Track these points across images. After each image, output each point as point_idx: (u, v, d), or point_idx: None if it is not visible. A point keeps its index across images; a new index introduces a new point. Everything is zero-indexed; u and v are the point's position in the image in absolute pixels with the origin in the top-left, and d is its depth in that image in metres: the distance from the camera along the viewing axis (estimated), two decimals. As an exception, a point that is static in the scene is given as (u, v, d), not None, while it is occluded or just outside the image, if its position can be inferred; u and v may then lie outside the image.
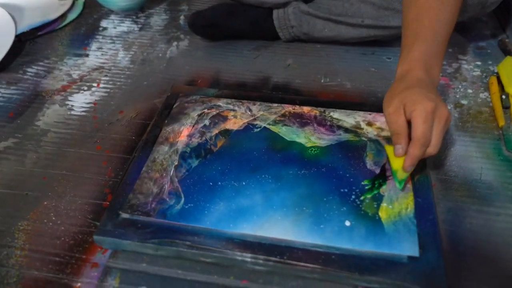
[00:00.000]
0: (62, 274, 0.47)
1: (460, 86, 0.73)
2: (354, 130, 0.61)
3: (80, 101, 0.72)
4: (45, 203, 0.55)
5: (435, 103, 0.49)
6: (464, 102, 0.69)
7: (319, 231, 0.48)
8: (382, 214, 0.50)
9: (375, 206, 0.51)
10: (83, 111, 0.70)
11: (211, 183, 0.54)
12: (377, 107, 0.65)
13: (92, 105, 0.71)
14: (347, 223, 0.49)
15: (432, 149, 0.50)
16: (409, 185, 0.53)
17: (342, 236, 0.48)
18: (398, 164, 0.51)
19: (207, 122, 0.63)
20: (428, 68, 0.54)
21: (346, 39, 0.80)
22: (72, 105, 0.71)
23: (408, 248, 0.46)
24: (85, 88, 0.75)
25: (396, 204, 0.51)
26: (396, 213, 0.50)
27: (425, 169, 0.55)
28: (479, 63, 0.78)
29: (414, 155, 0.49)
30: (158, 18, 0.95)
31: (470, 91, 0.72)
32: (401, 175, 0.52)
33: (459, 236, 0.50)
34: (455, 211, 0.53)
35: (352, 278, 0.45)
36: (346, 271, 0.45)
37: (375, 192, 0.52)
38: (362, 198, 0.52)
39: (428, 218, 0.50)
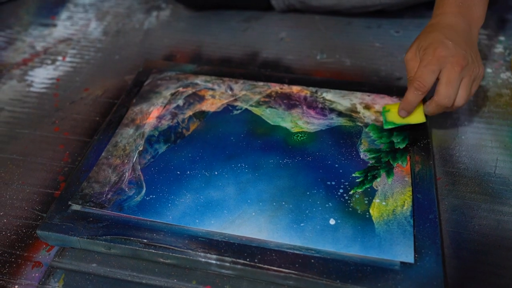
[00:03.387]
0: (-3, 273, 0.44)
1: (477, 65, 0.68)
2: (349, 114, 0.57)
3: (42, 76, 0.69)
4: (-11, 191, 0.52)
5: (446, 49, 0.48)
6: (481, 83, 0.65)
7: (299, 230, 0.45)
8: (374, 212, 0.46)
9: (366, 202, 0.47)
10: (43, 88, 0.67)
11: (178, 172, 0.51)
12: (378, 88, 0.61)
13: (55, 81, 0.68)
14: (332, 222, 0.45)
15: (440, 98, 0.49)
16: (408, 179, 0.49)
17: (325, 237, 0.44)
18: (396, 106, 0.53)
19: (180, 102, 0.60)
20: (464, 11, 0.52)
21: (348, 8, 0.75)
22: (32, 81, 0.68)
23: (402, 252, 0.42)
24: (49, 62, 0.72)
25: (391, 200, 0.47)
26: (390, 211, 0.46)
27: (428, 157, 0.51)
28: (502, 38, 0.73)
29: (406, 99, 0.50)
30: (137, -15, 0.91)
31: (489, 70, 0.67)
32: (393, 117, 0.53)
33: (465, 239, 0.46)
34: (461, 210, 0.49)
35: (331, 286, 0.41)
36: (326, 278, 0.41)
37: (367, 186, 0.48)
38: (351, 192, 0.48)
39: (427, 217, 0.46)
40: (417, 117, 0.53)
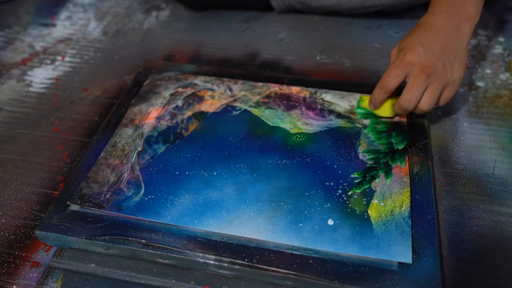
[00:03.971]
0: (-5, 274, 0.44)
1: (477, 66, 0.68)
2: (348, 115, 0.57)
3: (41, 76, 0.69)
4: (-12, 191, 0.52)
5: (416, 55, 0.50)
6: (480, 84, 0.65)
7: (297, 231, 0.45)
8: (372, 212, 0.46)
9: (364, 203, 0.47)
10: (42, 88, 0.67)
11: (177, 173, 0.51)
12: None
13: (54, 81, 0.68)
14: (330, 222, 0.45)
15: (401, 101, 0.51)
16: (406, 179, 0.49)
17: (323, 237, 0.44)
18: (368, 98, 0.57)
19: (180, 102, 0.60)
20: (454, 10, 0.52)
21: (348, 8, 0.76)
22: (31, 81, 0.68)
23: (400, 253, 0.43)
24: (48, 62, 0.72)
25: (389, 201, 0.47)
26: (388, 211, 0.46)
27: (427, 158, 0.51)
28: (501, 39, 0.73)
29: (372, 95, 0.54)
30: (137, -15, 0.91)
31: (488, 71, 0.67)
32: (365, 105, 0.58)
33: (463, 240, 0.46)
34: (460, 211, 0.49)
35: (329, 287, 0.41)
36: (324, 278, 0.41)
37: (366, 186, 0.49)
38: (350, 193, 0.48)
39: (426, 218, 0.46)
40: (385, 112, 0.56)
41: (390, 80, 0.51)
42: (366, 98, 0.59)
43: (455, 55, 0.51)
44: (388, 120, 0.57)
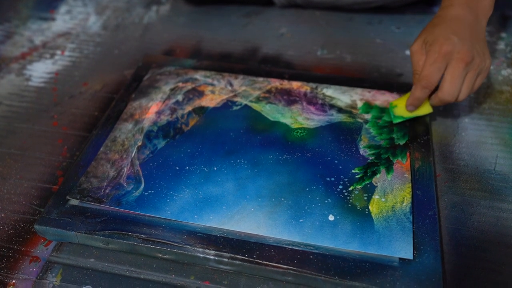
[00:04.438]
0: (-5, 268, 0.44)
1: (478, 62, 0.68)
2: (349, 110, 0.57)
3: (40, 70, 0.69)
4: (-13, 185, 0.52)
5: (452, 44, 0.49)
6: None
7: (298, 226, 0.45)
8: (373, 208, 0.46)
9: (365, 198, 0.47)
10: (42, 82, 0.67)
11: (177, 168, 0.51)
12: (378, 84, 0.61)
13: (53, 75, 0.68)
14: (331, 218, 0.45)
15: (443, 94, 0.50)
16: (407, 175, 0.49)
17: (324, 233, 0.44)
18: (403, 101, 0.54)
19: (180, 97, 0.60)
20: (472, 2, 0.53)
21: (349, 3, 0.75)
22: (31, 75, 0.68)
23: (401, 249, 0.42)
24: (48, 56, 0.72)
25: (390, 196, 0.47)
26: (389, 207, 0.46)
27: (428, 154, 0.51)
28: (503, 35, 0.73)
29: (414, 95, 0.52)
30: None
31: (490, 67, 0.67)
32: (401, 111, 0.54)
33: (464, 236, 0.46)
34: (461, 207, 0.49)
35: (330, 282, 0.41)
36: (324, 274, 0.41)
37: (367, 182, 0.48)
38: (350, 188, 0.48)
39: (427, 214, 0.46)
40: (425, 109, 0.54)
41: (434, 76, 0.50)
42: (398, 103, 0.55)
43: (482, 43, 0.52)
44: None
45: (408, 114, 0.54)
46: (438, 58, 0.49)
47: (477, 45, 0.51)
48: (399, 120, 0.55)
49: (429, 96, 0.53)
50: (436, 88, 0.52)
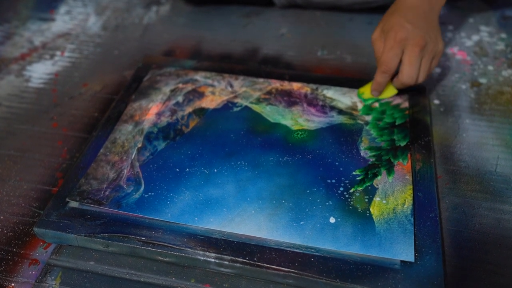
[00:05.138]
0: (-6, 271, 0.44)
1: (479, 62, 0.67)
2: (350, 111, 0.57)
3: (40, 71, 0.68)
4: (-14, 187, 0.52)
5: (406, 31, 0.52)
6: (482, 80, 0.64)
7: (298, 229, 0.44)
8: (374, 210, 0.46)
9: (366, 200, 0.46)
10: (41, 83, 0.66)
11: (177, 169, 0.50)
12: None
13: (53, 76, 0.67)
14: (332, 220, 0.45)
15: (403, 77, 0.54)
16: (408, 177, 0.48)
17: (325, 235, 0.44)
18: (368, 87, 0.58)
19: (180, 98, 0.59)
20: None
21: (349, 4, 0.75)
22: (30, 76, 0.67)
23: (402, 251, 0.42)
24: (47, 57, 0.71)
25: (391, 198, 0.47)
26: (390, 209, 0.46)
27: (429, 155, 0.51)
28: (504, 35, 0.72)
29: (376, 80, 0.56)
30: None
31: (491, 68, 0.66)
32: (368, 96, 0.58)
33: (465, 238, 0.46)
34: (462, 209, 0.49)
35: (331, 285, 0.41)
36: (325, 277, 0.41)
37: (368, 184, 0.48)
38: (351, 190, 0.47)
39: (428, 216, 0.45)
40: (389, 92, 0.58)
41: (392, 61, 0.54)
42: (364, 90, 0.59)
43: (435, 30, 0.55)
44: (390, 99, 0.58)
45: (374, 98, 0.58)
46: (394, 44, 0.53)
47: (431, 31, 0.54)
48: (370, 102, 0.58)
49: (392, 80, 0.57)
50: (397, 73, 0.55)
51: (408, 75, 0.54)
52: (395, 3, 0.58)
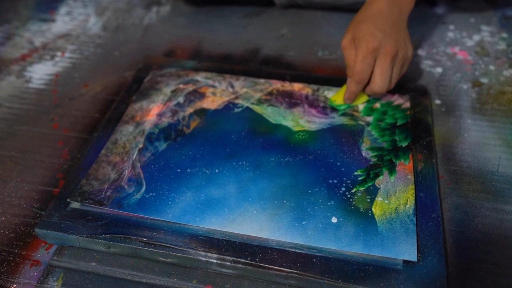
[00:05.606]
0: (-5, 272, 0.44)
1: (480, 62, 0.67)
2: (350, 113, 0.57)
3: (40, 72, 0.68)
4: (-13, 188, 0.52)
5: (378, 41, 0.53)
6: (484, 80, 0.64)
7: (300, 229, 0.44)
8: (376, 210, 0.46)
9: (368, 200, 0.46)
10: (42, 84, 0.66)
11: (178, 170, 0.50)
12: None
13: (54, 77, 0.67)
14: (334, 220, 0.45)
15: (375, 87, 0.54)
16: (410, 177, 0.48)
17: (327, 235, 0.44)
18: (340, 95, 0.58)
19: (181, 99, 0.59)
20: None
21: (350, 3, 0.75)
22: (31, 77, 0.67)
23: (405, 251, 0.42)
24: (48, 57, 0.71)
25: (393, 198, 0.47)
26: (392, 209, 0.46)
27: (431, 156, 0.51)
28: (505, 35, 0.72)
29: (350, 90, 0.56)
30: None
31: (492, 67, 0.66)
32: (341, 103, 0.58)
33: (468, 238, 0.46)
34: (464, 209, 0.48)
35: (333, 286, 0.41)
36: (328, 277, 0.41)
37: (370, 184, 0.48)
38: (353, 190, 0.47)
39: (430, 216, 0.45)
40: (362, 99, 0.58)
41: (365, 72, 0.54)
42: (336, 97, 0.58)
43: (404, 36, 0.56)
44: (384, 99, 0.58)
45: (346, 105, 0.58)
46: (367, 54, 0.53)
47: (400, 38, 0.55)
48: (343, 107, 0.58)
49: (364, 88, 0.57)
50: (369, 81, 0.56)
51: (380, 85, 0.54)
52: (363, 9, 0.58)
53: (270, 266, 0.42)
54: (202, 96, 0.60)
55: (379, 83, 0.54)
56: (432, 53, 0.69)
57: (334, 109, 0.57)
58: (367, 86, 0.56)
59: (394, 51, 0.53)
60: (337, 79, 0.62)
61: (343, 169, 0.50)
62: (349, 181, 0.48)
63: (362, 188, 0.48)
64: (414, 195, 0.47)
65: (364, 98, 0.58)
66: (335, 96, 0.59)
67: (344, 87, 0.58)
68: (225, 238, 0.44)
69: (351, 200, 0.47)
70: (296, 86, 0.61)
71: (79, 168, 0.51)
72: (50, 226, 0.45)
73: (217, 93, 0.60)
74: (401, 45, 0.54)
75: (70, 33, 0.77)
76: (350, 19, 0.77)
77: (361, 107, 0.57)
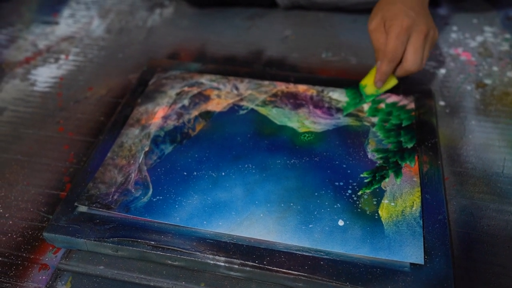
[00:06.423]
0: (4, 276, 0.44)
1: (484, 63, 0.67)
2: (355, 113, 0.57)
3: (45, 75, 0.68)
4: (-6, 192, 0.52)
5: (412, 19, 0.53)
6: (487, 81, 0.64)
7: (307, 232, 0.44)
8: (382, 212, 0.46)
9: (375, 203, 0.47)
10: (47, 87, 0.66)
11: (185, 173, 0.50)
12: (384, 87, 0.61)
13: (58, 80, 0.68)
14: (341, 223, 0.45)
15: (409, 65, 0.54)
16: (416, 179, 0.49)
17: (334, 238, 0.44)
18: (370, 79, 0.58)
19: (186, 102, 0.59)
20: None
21: (352, 4, 0.75)
22: (35, 80, 0.67)
23: (412, 254, 0.42)
24: (52, 60, 0.71)
25: (400, 201, 0.47)
26: (399, 211, 0.46)
27: (436, 157, 0.51)
28: (508, 36, 0.73)
29: (381, 70, 0.56)
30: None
31: (495, 68, 0.67)
32: (371, 90, 0.58)
33: (474, 240, 0.46)
34: (470, 210, 0.49)
35: (341, 289, 0.41)
36: (335, 280, 0.41)
37: (376, 186, 0.48)
38: (360, 193, 0.48)
39: (436, 218, 0.45)
40: (391, 82, 0.58)
41: (399, 50, 0.54)
42: (367, 81, 0.59)
43: (430, 17, 0.56)
44: (390, 93, 0.59)
45: (378, 91, 0.58)
46: (401, 32, 0.53)
47: (429, 18, 0.56)
48: (371, 98, 0.58)
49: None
50: (399, 62, 0.56)
51: (414, 62, 0.54)
52: None
53: (277, 269, 0.42)
54: (207, 98, 0.60)
55: (413, 60, 0.54)
56: (436, 54, 0.69)
57: (339, 109, 0.57)
58: (398, 67, 0.56)
59: (427, 29, 0.54)
60: (341, 81, 0.62)
61: (349, 171, 0.50)
62: (355, 184, 0.48)
63: (368, 191, 0.48)
64: (420, 197, 0.47)
65: (393, 81, 0.58)
66: (365, 80, 0.59)
67: (373, 71, 0.58)
68: (232, 241, 0.44)
69: (357, 202, 0.47)
70: (301, 88, 0.61)
71: (86, 171, 0.51)
72: (58, 230, 0.45)
73: (222, 95, 0.60)
74: (431, 25, 0.55)
75: (73, 35, 0.77)
76: (353, 20, 0.77)
77: (366, 107, 0.57)
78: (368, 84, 0.58)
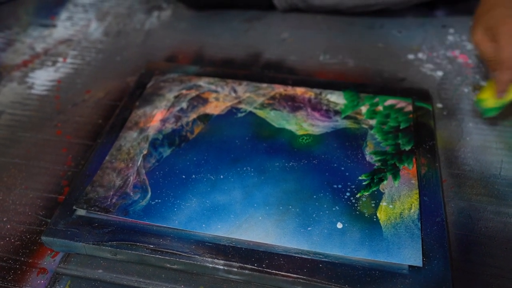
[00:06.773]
0: (2, 281, 0.43)
1: (481, 65, 0.68)
2: (354, 116, 0.57)
3: (42, 78, 0.68)
4: (-9, 196, 0.52)
5: None
6: (484, 84, 0.65)
7: (306, 234, 0.44)
8: (381, 215, 0.46)
9: (373, 205, 0.47)
10: (44, 90, 0.66)
11: (183, 176, 0.50)
12: (382, 89, 0.61)
13: (56, 83, 0.67)
14: (339, 225, 0.45)
15: None
16: (414, 181, 0.49)
17: (333, 241, 0.44)
18: (488, 92, 0.54)
19: (184, 105, 0.59)
20: None
21: (350, 7, 0.75)
22: (33, 83, 0.67)
23: (410, 256, 0.42)
24: (49, 63, 0.71)
25: (398, 203, 0.47)
26: (397, 214, 0.46)
27: (434, 159, 0.51)
28: (504, 38, 0.73)
29: (502, 80, 0.52)
30: (137, -16, 0.90)
31: (492, 71, 0.67)
32: (491, 103, 0.54)
33: (472, 242, 0.46)
34: (468, 212, 0.49)
35: (340, 291, 0.41)
36: (334, 283, 0.41)
37: (374, 189, 0.48)
38: (358, 195, 0.48)
39: (435, 220, 0.46)
40: (511, 92, 0.54)
41: None
42: (485, 95, 0.55)
43: None
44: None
45: (499, 104, 0.54)
46: None
47: None
48: (493, 112, 0.55)
49: None
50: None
51: None
52: (483, 1, 0.55)
53: (276, 271, 0.42)
54: (205, 101, 0.60)
55: None
56: (433, 56, 0.70)
57: (337, 112, 0.58)
58: None
59: None
60: (339, 83, 0.62)
61: (347, 173, 0.50)
62: (353, 186, 0.49)
63: (367, 193, 0.48)
64: (418, 199, 0.47)
65: None
66: (482, 94, 0.55)
67: (489, 84, 0.55)
68: (231, 245, 0.44)
69: (356, 205, 0.47)
70: (299, 90, 0.61)
71: (84, 174, 0.51)
72: (56, 234, 0.45)
73: (220, 98, 0.60)
74: None
75: (71, 38, 0.77)
76: (351, 23, 0.78)
77: (364, 109, 0.57)
78: (488, 98, 0.54)
